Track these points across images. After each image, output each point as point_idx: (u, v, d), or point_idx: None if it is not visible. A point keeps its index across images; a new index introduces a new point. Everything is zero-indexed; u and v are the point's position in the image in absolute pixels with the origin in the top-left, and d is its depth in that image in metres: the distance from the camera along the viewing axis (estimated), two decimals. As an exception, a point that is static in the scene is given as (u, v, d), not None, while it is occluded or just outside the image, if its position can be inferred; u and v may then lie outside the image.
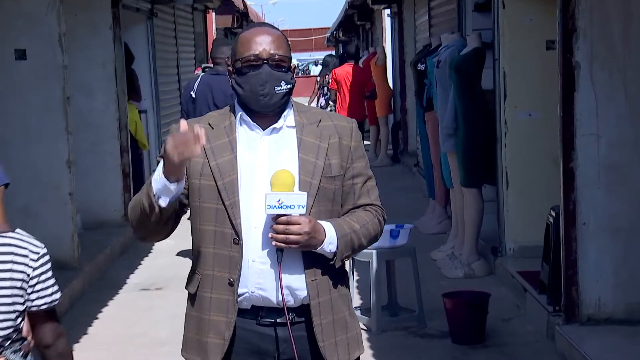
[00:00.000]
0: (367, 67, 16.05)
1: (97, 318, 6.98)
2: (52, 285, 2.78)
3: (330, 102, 16.56)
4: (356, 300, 6.90)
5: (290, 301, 2.88)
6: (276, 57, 2.89)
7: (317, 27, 55.69)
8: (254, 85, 2.87)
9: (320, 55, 50.25)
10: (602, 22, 5.73)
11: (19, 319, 2.71)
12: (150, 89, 11.66)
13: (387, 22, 19.89)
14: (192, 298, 2.96)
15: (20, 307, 2.69)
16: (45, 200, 7.64)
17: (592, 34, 5.72)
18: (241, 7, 20.75)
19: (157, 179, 2.77)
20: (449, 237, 8.70)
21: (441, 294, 6.37)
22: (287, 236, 2.77)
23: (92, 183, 9.44)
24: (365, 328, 6.32)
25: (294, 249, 2.80)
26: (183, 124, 2.76)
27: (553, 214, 6.24)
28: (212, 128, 2.93)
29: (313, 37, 53.58)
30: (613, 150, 5.80)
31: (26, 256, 2.68)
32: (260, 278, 2.86)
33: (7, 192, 3.28)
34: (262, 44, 2.89)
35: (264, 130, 2.92)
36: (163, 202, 2.78)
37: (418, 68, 9.42)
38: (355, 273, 6.80)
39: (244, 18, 23.07)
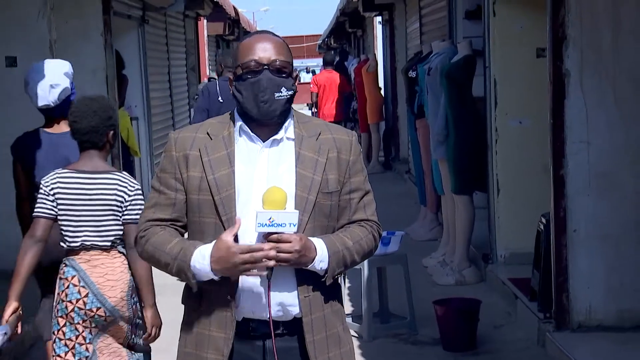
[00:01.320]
0: (358, 74, 16.11)
1: (88, 325, 6.93)
2: (141, 208, 4.05)
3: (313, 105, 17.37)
4: (347, 308, 6.89)
5: (283, 316, 2.86)
6: (277, 62, 2.84)
7: (309, 34, 55.67)
8: (254, 91, 2.83)
9: (312, 62, 50.25)
10: (591, 30, 5.75)
11: (121, 227, 4.20)
12: (141, 96, 11.61)
13: (378, 30, 19.94)
14: (191, 313, 2.92)
15: (120, 219, 4.19)
16: (37, 208, 7.59)
17: (582, 42, 5.74)
18: (232, 14, 20.76)
19: (200, 268, 2.78)
20: (440, 244, 8.71)
21: (432, 300, 6.37)
22: (277, 254, 2.73)
23: (83, 190, 9.39)
24: (356, 335, 6.32)
25: (284, 267, 2.77)
26: (238, 221, 2.76)
27: (544, 220, 6.25)
28: (211, 138, 2.89)
29: (305, 44, 53.54)
30: (603, 157, 5.81)
31: (126, 187, 4.19)
32: (253, 293, 2.83)
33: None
34: (263, 50, 2.85)
35: (264, 141, 2.88)
36: (199, 279, 2.82)
37: (409, 75, 9.43)
38: (346, 280, 6.79)
39: (235, 25, 23.10)
